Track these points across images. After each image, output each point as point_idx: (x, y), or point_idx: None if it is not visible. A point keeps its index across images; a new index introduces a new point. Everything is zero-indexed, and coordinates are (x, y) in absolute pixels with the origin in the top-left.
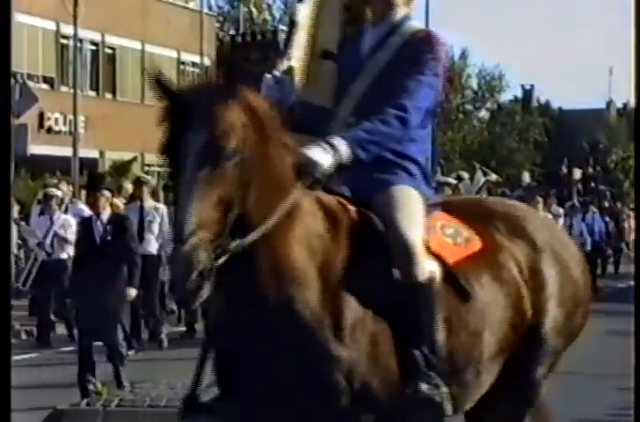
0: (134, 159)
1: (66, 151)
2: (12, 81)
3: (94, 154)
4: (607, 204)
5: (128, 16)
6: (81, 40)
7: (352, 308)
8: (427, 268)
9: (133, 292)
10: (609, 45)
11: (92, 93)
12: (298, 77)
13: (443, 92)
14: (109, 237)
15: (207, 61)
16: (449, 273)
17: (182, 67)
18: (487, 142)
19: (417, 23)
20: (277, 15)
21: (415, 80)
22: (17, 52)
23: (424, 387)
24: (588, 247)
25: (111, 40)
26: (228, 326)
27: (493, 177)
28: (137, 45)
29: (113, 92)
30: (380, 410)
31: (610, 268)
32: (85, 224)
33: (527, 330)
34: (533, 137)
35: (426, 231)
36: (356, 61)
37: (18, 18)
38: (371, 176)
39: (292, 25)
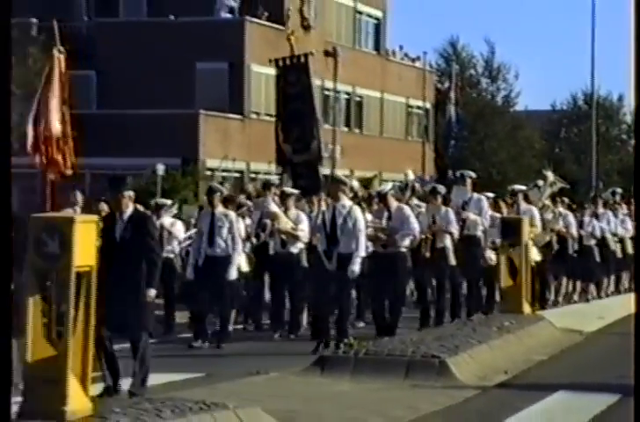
0: (375, 176)
1: (327, 171)
2: None
3: (346, 173)
4: None
5: (372, 73)
6: (338, 92)
7: None
8: None
9: (152, 292)
10: None
11: (345, 129)
12: None
13: None
14: (128, 235)
15: (428, 105)
16: None
17: (410, 109)
18: None
19: None
20: (479, 70)
21: None
22: None
23: None
24: None
25: (359, 91)
26: None
27: (558, 186)
28: (378, 94)
29: (360, 128)
30: None
31: None
32: (107, 222)
33: None
34: None
35: None
36: None
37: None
38: None
39: None
